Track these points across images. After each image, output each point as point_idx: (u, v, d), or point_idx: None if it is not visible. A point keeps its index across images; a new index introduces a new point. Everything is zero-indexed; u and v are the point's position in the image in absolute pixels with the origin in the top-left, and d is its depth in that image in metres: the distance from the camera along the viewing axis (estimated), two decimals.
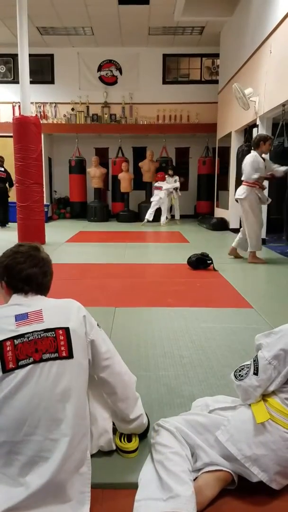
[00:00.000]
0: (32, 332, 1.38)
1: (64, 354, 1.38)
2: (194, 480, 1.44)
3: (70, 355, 1.39)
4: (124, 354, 1.66)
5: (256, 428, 1.47)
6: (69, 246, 7.17)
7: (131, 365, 1.68)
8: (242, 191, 5.58)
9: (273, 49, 6.55)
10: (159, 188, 10.35)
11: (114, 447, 1.65)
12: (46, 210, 9.57)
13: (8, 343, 1.35)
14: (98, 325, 1.56)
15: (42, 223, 7.18)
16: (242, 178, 5.64)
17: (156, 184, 10.50)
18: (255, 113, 7.40)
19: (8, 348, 1.34)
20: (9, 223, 9.78)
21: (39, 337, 1.38)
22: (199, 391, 2.13)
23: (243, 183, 5.61)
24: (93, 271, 5.20)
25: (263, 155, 5.59)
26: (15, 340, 1.36)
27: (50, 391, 1.33)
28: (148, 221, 10.41)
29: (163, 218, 10.47)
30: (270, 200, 5.71)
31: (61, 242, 7.47)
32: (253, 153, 5.56)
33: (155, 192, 10.45)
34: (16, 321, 1.40)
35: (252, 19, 7.72)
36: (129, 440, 1.67)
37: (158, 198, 10.31)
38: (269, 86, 6.73)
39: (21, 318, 1.41)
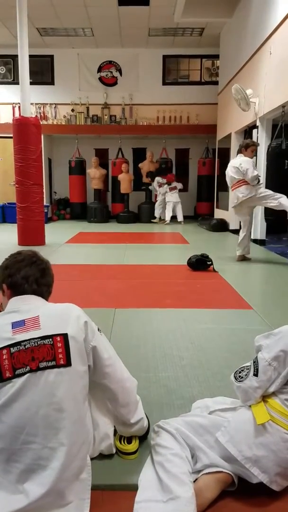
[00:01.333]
0: (28, 339, 1.36)
1: (62, 362, 1.36)
2: (194, 481, 1.43)
3: (68, 363, 1.37)
4: (124, 355, 1.66)
5: (256, 429, 1.47)
6: (68, 247, 7.16)
7: (130, 367, 1.68)
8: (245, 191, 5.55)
9: (273, 50, 6.56)
10: (175, 188, 10.73)
11: (114, 451, 1.64)
12: (46, 211, 9.57)
13: (4, 351, 1.33)
14: (98, 329, 1.55)
15: (42, 224, 7.18)
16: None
17: (172, 185, 10.79)
18: (255, 114, 7.40)
19: (4, 357, 1.33)
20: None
21: (36, 344, 1.35)
22: (199, 393, 2.13)
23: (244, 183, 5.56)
24: (93, 272, 5.19)
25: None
26: (11, 348, 1.34)
27: (47, 399, 1.32)
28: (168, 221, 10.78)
29: (181, 217, 10.92)
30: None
31: (61, 243, 7.47)
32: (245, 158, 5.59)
33: (170, 192, 10.74)
34: (12, 328, 1.38)
35: (252, 20, 7.73)
36: (129, 442, 1.67)
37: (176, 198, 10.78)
38: (269, 87, 6.74)
39: (17, 325, 1.39)
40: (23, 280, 1.54)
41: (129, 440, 1.67)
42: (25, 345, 1.35)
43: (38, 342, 1.36)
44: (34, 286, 1.55)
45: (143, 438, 1.72)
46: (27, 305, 1.49)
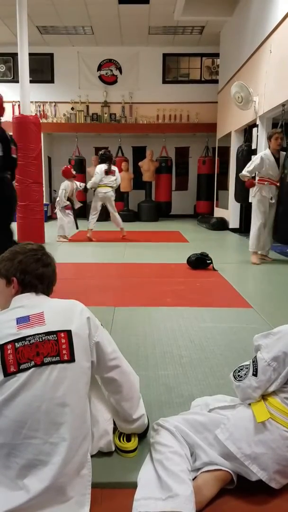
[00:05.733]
0: (33, 335, 1.37)
1: (65, 358, 1.37)
2: (193, 479, 1.44)
3: (71, 359, 1.38)
4: (124, 354, 1.66)
5: (255, 426, 1.47)
6: (68, 246, 7.17)
7: (130, 365, 1.68)
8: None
9: (273, 49, 6.55)
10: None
11: (114, 449, 1.65)
12: (45, 209, 9.55)
13: (9, 346, 1.34)
14: (101, 324, 1.56)
15: (42, 222, 7.18)
16: None
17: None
18: (255, 113, 7.40)
19: (9, 352, 1.33)
20: None
21: (41, 340, 1.36)
22: (198, 391, 2.13)
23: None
24: (93, 270, 5.19)
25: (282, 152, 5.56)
26: (16, 343, 1.35)
27: (50, 394, 1.32)
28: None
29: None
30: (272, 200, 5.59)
31: (61, 241, 7.47)
32: (264, 151, 5.59)
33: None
34: (17, 323, 1.39)
35: (252, 19, 7.72)
36: (128, 440, 1.67)
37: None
38: (269, 86, 6.73)
39: (22, 321, 1.40)
40: (38, 280, 1.56)
41: (128, 438, 1.68)
42: (30, 340, 1.36)
43: (43, 338, 1.37)
44: (45, 286, 1.58)
45: (143, 436, 1.72)
46: (31, 301, 1.50)
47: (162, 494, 1.34)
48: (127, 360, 1.66)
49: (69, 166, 8.38)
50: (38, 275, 1.56)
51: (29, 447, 1.29)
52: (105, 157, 7.81)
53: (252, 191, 5.71)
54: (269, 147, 5.52)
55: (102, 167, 7.62)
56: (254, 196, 5.65)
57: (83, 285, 4.37)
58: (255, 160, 5.52)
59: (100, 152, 8.05)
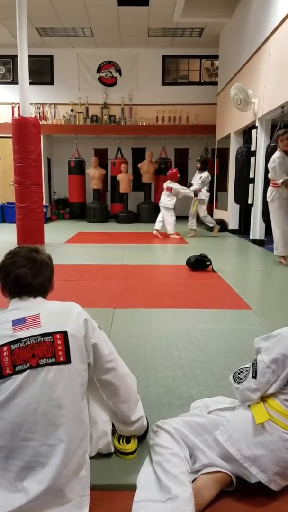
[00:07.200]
0: (29, 337, 1.37)
1: (61, 359, 1.37)
2: (193, 481, 1.44)
3: (67, 360, 1.38)
4: (123, 355, 1.66)
5: (255, 428, 1.47)
6: (68, 247, 7.16)
7: (129, 366, 1.68)
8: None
9: (272, 51, 6.56)
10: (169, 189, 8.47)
11: (113, 450, 1.65)
12: (45, 211, 9.56)
13: (5, 348, 1.34)
14: (99, 326, 1.56)
15: (41, 224, 7.17)
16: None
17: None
18: (254, 114, 7.41)
19: (4, 354, 1.34)
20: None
21: (36, 342, 1.37)
22: (197, 392, 2.13)
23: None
24: (92, 272, 5.19)
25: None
26: (12, 345, 1.35)
27: (47, 396, 1.33)
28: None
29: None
30: None
31: (60, 243, 7.47)
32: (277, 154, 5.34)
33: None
34: (13, 325, 1.39)
35: (251, 20, 7.73)
36: (128, 442, 1.67)
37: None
38: (268, 88, 6.74)
39: (18, 322, 1.40)
40: (13, 284, 1.53)
41: (128, 440, 1.68)
42: (25, 342, 1.36)
43: (38, 339, 1.37)
44: (24, 290, 1.53)
45: (142, 438, 1.72)
46: (28, 303, 1.50)
47: (162, 496, 1.34)
48: (126, 362, 1.66)
49: (175, 170, 8.78)
50: (12, 279, 1.52)
51: (27, 449, 1.29)
52: (207, 164, 8.52)
53: (271, 194, 5.47)
54: (279, 149, 5.35)
55: (208, 174, 8.44)
56: (272, 199, 5.45)
57: (83, 286, 4.37)
58: (276, 163, 5.28)
59: (204, 159, 8.91)
